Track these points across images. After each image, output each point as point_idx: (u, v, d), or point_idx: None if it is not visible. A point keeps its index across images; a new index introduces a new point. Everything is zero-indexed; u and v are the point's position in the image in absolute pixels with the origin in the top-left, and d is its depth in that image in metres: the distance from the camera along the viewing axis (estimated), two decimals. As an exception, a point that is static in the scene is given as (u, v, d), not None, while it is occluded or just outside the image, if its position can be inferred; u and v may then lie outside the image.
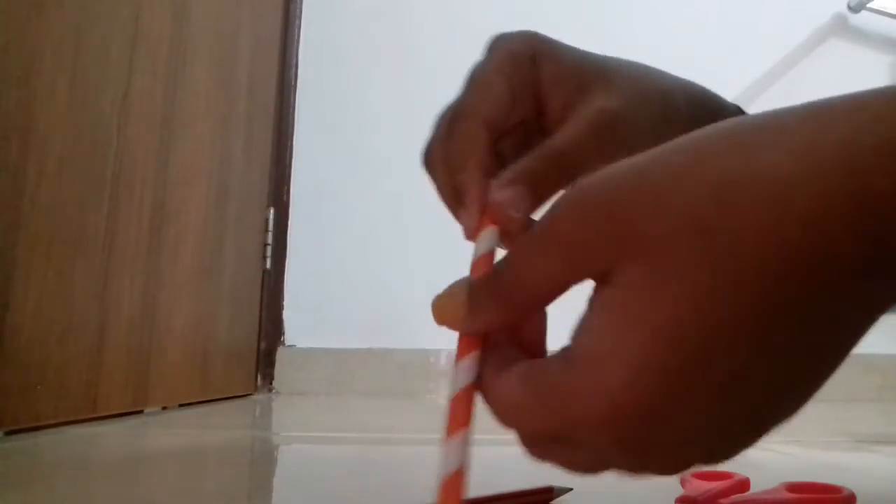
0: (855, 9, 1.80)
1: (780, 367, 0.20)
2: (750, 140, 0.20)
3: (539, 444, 0.23)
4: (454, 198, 0.30)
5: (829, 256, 0.18)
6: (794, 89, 1.75)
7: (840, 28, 1.82)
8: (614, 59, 0.34)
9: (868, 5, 1.78)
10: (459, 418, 0.23)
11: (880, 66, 1.81)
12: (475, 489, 0.25)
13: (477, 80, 0.31)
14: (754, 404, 0.20)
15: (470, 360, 0.24)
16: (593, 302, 0.21)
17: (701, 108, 0.36)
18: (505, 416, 0.23)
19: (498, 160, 0.30)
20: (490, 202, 0.28)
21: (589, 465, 0.23)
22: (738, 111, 0.39)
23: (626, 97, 0.32)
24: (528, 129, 0.33)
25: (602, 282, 0.21)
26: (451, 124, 0.31)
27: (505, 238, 0.28)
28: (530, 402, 0.22)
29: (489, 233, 0.27)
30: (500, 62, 0.31)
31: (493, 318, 0.23)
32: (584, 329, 0.21)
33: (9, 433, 0.77)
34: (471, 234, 0.28)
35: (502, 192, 0.28)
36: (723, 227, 0.19)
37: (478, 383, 0.24)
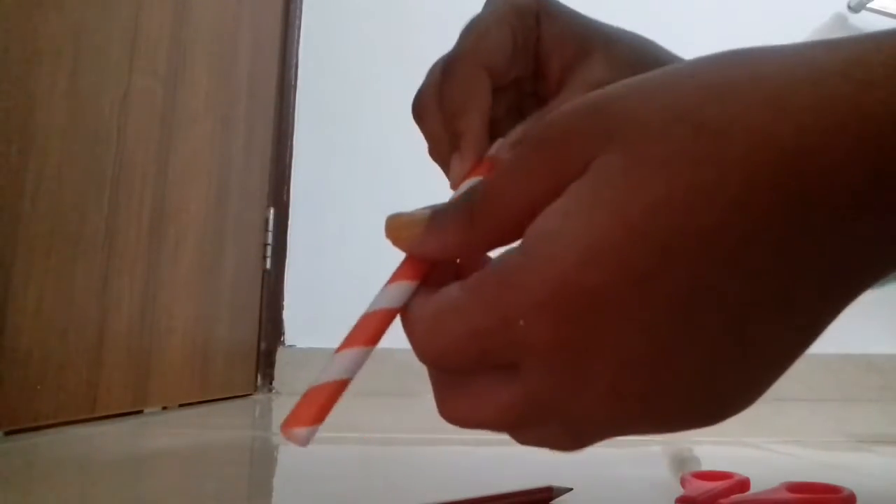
0: (855, 9, 1.80)
1: (757, 296, 0.17)
2: (753, 53, 0.18)
3: (465, 360, 0.20)
4: (446, 145, 0.29)
5: (821, 172, 0.16)
6: (794, 89, 1.75)
7: (840, 28, 1.82)
8: (616, 27, 0.33)
9: (868, 5, 1.78)
10: (363, 335, 0.21)
11: (880, 66, 1.80)
12: (475, 489, 0.25)
13: (478, 28, 0.30)
14: (726, 339, 0.18)
15: (402, 286, 0.21)
16: (558, 201, 0.19)
17: None
18: (431, 331, 0.20)
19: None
20: (494, 160, 0.28)
21: (525, 396, 0.19)
22: None
23: (625, 67, 0.31)
24: (521, 90, 0.32)
25: (579, 177, 0.19)
26: (449, 68, 0.29)
27: None
28: (464, 299, 0.19)
29: (476, 182, 0.27)
30: (504, 13, 0.30)
31: (454, 239, 0.21)
32: (542, 215, 0.19)
33: (9, 433, 0.77)
34: (456, 183, 0.27)
35: (506, 151, 0.28)
36: (711, 121, 0.17)
37: (401, 310, 0.22)
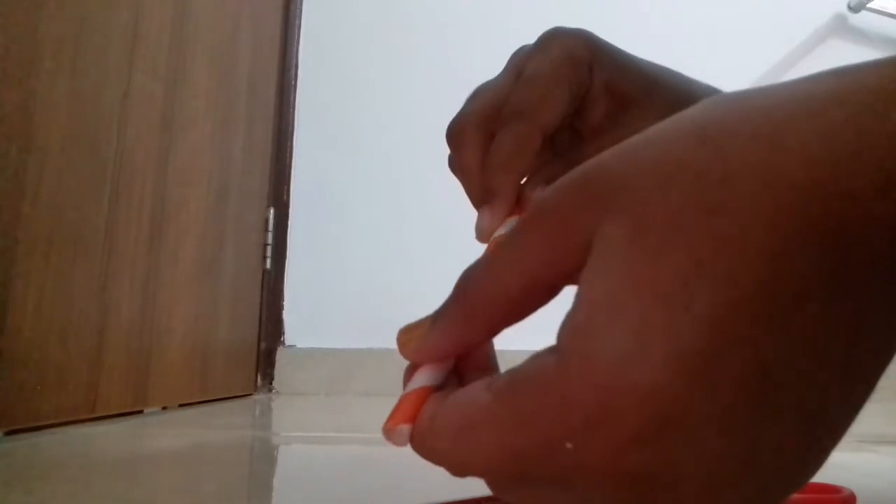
0: (855, 9, 1.80)
1: (809, 362, 0.15)
2: (739, 93, 0.17)
3: (509, 480, 0.18)
4: (476, 179, 0.30)
5: (845, 204, 0.14)
6: (794, 89, 1.75)
7: (840, 28, 1.82)
8: (660, 71, 0.34)
9: (868, 5, 1.78)
10: (403, 415, 0.20)
11: (880, 66, 1.80)
12: (475, 489, 0.25)
13: (538, 81, 0.30)
14: (803, 414, 0.15)
15: (436, 368, 0.21)
16: (577, 292, 0.17)
17: None
18: (458, 448, 0.18)
19: None
20: (522, 198, 0.29)
21: (583, 480, 0.16)
22: None
23: (663, 117, 0.32)
24: (559, 125, 0.33)
25: (584, 265, 0.17)
26: (502, 117, 0.30)
27: None
28: (498, 405, 0.17)
29: (511, 222, 0.28)
30: (561, 65, 0.30)
31: (457, 331, 0.20)
32: (570, 312, 0.17)
33: (9, 433, 0.77)
34: (485, 235, 0.28)
35: (533, 192, 0.29)
36: (708, 166, 0.15)
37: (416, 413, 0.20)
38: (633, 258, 0.16)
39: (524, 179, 0.30)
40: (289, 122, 1.68)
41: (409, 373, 0.21)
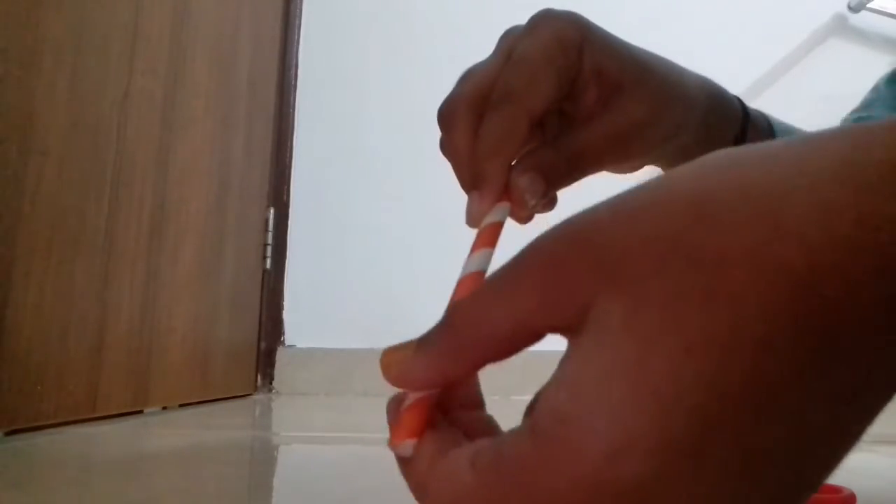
0: (855, 9, 1.80)
1: (810, 436, 0.16)
2: (736, 159, 0.17)
3: None
4: (466, 160, 0.30)
5: (840, 293, 0.14)
6: (794, 89, 1.76)
7: (840, 28, 1.82)
8: (650, 57, 0.34)
9: (868, 5, 1.78)
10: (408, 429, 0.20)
11: (880, 66, 1.80)
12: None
13: (526, 64, 0.29)
14: (787, 488, 0.16)
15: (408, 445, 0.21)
16: (564, 357, 0.17)
17: (713, 112, 0.36)
18: None
19: None
20: (510, 183, 0.28)
21: None
22: (740, 105, 0.40)
23: (654, 105, 0.32)
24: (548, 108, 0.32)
25: (575, 330, 0.17)
26: (491, 100, 0.29)
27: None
28: (483, 489, 0.17)
29: (502, 207, 0.28)
30: (550, 48, 0.30)
31: (441, 365, 0.19)
32: (553, 386, 0.17)
33: (9, 433, 0.77)
34: (475, 221, 0.28)
35: (522, 177, 0.28)
36: (706, 250, 0.15)
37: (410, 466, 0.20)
38: (625, 346, 0.15)
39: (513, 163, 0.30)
40: (289, 122, 1.68)
41: (392, 412, 0.22)
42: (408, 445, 0.20)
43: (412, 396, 0.21)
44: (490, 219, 0.28)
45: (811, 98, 1.77)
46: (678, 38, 1.79)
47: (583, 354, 0.16)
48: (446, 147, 0.31)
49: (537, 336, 0.18)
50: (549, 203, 0.32)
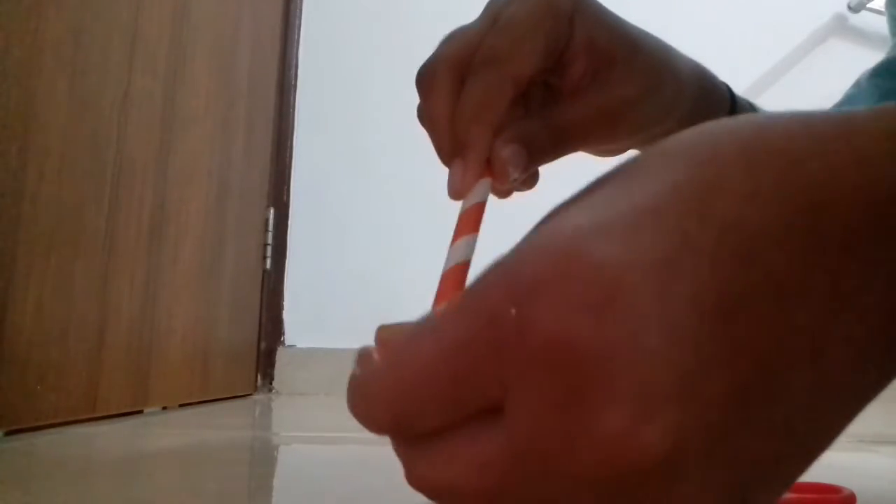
0: (855, 9, 1.80)
1: (780, 315, 0.15)
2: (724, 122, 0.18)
3: (434, 404, 0.16)
4: (445, 127, 0.28)
5: (827, 174, 0.15)
6: (794, 89, 1.76)
7: (840, 28, 1.82)
8: (642, 34, 0.33)
9: (868, 5, 1.78)
10: None
11: (880, 66, 1.80)
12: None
13: (512, 28, 0.28)
14: (748, 358, 0.15)
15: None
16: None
17: (703, 97, 0.36)
18: (393, 367, 0.17)
19: None
20: (492, 155, 0.27)
21: (510, 444, 0.15)
22: (729, 92, 0.39)
23: (645, 83, 0.31)
24: (533, 80, 0.31)
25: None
26: (473, 64, 0.28)
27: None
28: (437, 318, 0.16)
29: (483, 184, 0.27)
30: (539, 13, 0.28)
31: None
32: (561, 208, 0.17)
33: (9, 433, 0.77)
34: (458, 193, 0.27)
35: (505, 148, 0.27)
36: (701, 145, 0.17)
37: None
38: (628, 178, 0.16)
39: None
40: (289, 122, 1.68)
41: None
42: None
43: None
44: (471, 200, 0.26)
45: (811, 98, 1.77)
46: (678, 37, 1.78)
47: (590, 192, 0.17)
48: (425, 113, 0.29)
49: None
50: (530, 180, 0.31)
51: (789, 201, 0.15)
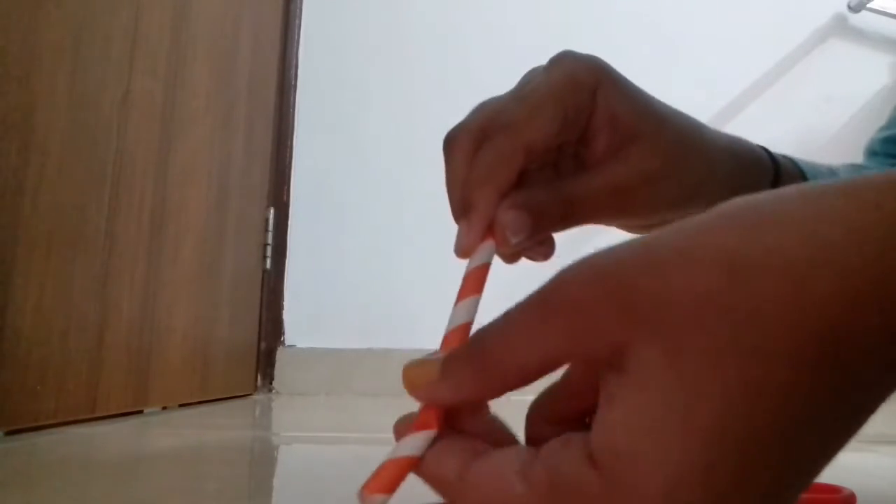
0: (855, 9, 1.80)
1: (812, 467, 0.18)
2: (758, 215, 0.19)
3: None
4: (461, 202, 0.29)
5: (855, 353, 0.17)
6: (795, 89, 1.75)
7: (840, 28, 1.82)
8: (670, 111, 0.33)
9: (868, 5, 1.78)
10: (382, 484, 0.21)
11: (880, 66, 1.81)
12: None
13: (531, 98, 0.29)
14: (789, 493, 0.18)
15: (425, 435, 0.21)
16: (609, 392, 0.18)
17: (738, 175, 0.35)
18: None
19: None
20: (494, 219, 0.28)
21: None
22: (769, 160, 0.38)
23: (667, 160, 0.31)
24: (560, 149, 0.32)
25: (613, 367, 0.18)
26: (491, 134, 0.29)
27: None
28: (540, 501, 0.18)
29: (488, 247, 0.27)
30: (561, 87, 0.29)
31: (467, 389, 0.21)
32: (607, 424, 0.18)
33: (9, 433, 0.77)
34: (462, 252, 0.28)
35: (507, 213, 0.28)
36: (739, 302, 0.17)
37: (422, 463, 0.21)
38: (671, 388, 0.17)
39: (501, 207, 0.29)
40: (289, 122, 1.68)
41: (400, 432, 0.22)
42: (377, 501, 0.21)
43: (401, 449, 0.21)
44: (476, 261, 0.27)
45: (811, 98, 1.77)
46: (678, 37, 1.79)
47: (632, 396, 0.18)
48: (446, 170, 0.31)
49: (562, 365, 0.19)
50: (543, 248, 0.31)
51: (824, 386, 0.17)
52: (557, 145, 0.30)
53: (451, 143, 0.30)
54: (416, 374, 0.22)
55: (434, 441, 0.21)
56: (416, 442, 0.21)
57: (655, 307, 0.18)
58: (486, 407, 0.23)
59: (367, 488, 0.21)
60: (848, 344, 0.17)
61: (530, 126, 0.28)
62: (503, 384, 0.20)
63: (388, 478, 0.21)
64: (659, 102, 0.33)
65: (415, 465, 0.21)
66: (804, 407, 0.17)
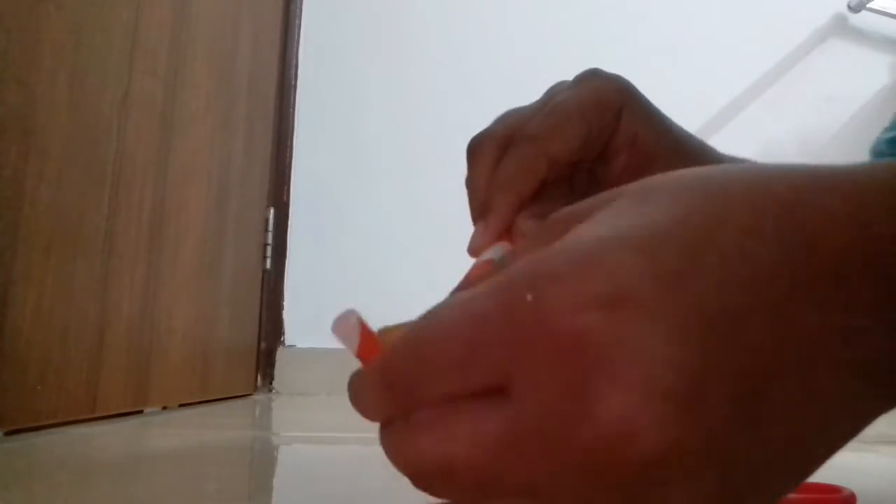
0: (855, 9, 1.80)
1: (774, 333, 0.16)
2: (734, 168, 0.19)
3: (446, 374, 0.17)
4: (481, 205, 0.30)
5: (818, 227, 0.17)
6: (795, 89, 1.75)
7: (840, 28, 1.82)
8: (689, 138, 0.34)
9: (868, 5, 1.78)
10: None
11: (880, 66, 1.81)
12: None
13: (558, 111, 0.30)
14: (748, 370, 0.16)
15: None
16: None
17: None
18: (414, 343, 0.18)
19: None
20: (514, 225, 0.29)
21: (516, 421, 0.16)
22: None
23: None
24: (577, 164, 0.33)
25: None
26: (515, 139, 0.30)
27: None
28: (475, 293, 0.17)
29: (498, 249, 0.29)
30: (587, 104, 0.30)
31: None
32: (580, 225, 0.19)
33: (9, 433, 0.77)
34: (474, 251, 0.29)
35: (527, 221, 0.29)
36: (714, 179, 0.18)
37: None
38: (643, 205, 0.18)
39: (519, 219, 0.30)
40: (289, 122, 1.68)
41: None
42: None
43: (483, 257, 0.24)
44: (486, 256, 0.28)
45: (811, 98, 1.77)
46: (678, 37, 1.78)
47: (606, 209, 0.19)
48: (467, 179, 0.32)
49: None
50: None
51: (786, 239, 0.17)
52: (576, 160, 0.31)
53: (476, 147, 0.31)
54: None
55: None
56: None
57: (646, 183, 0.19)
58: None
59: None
60: (813, 221, 0.17)
61: (555, 139, 0.30)
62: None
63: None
64: (678, 127, 0.34)
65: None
66: (763, 253, 0.16)
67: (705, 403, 0.15)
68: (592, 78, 0.31)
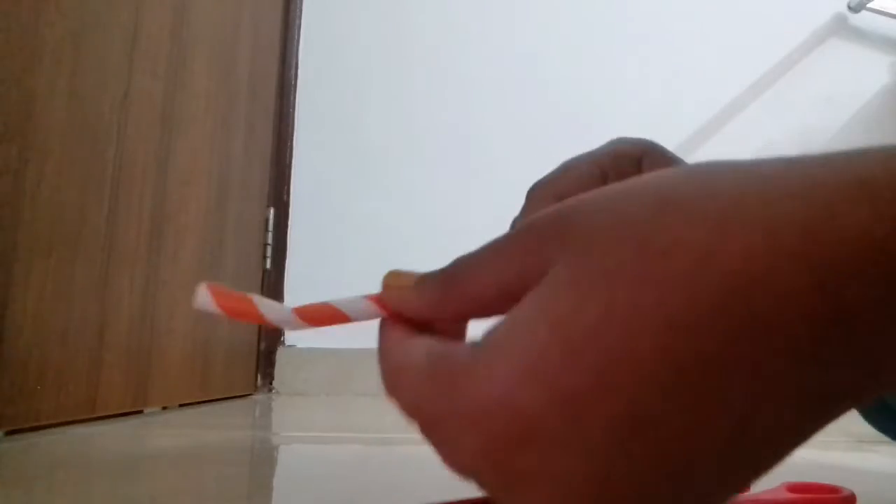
0: (855, 9, 1.80)
1: (694, 428, 0.16)
2: (711, 166, 0.19)
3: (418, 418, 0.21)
4: None
5: (773, 300, 0.15)
6: (795, 89, 1.75)
7: (840, 28, 1.82)
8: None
9: (868, 5, 1.79)
10: (314, 316, 0.24)
11: (880, 66, 1.81)
12: (476, 489, 0.25)
13: (570, 162, 0.32)
14: (663, 475, 0.17)
15: (372, 311, 0.24)
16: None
17: None
18: (391, 378, 0.22)
19: None
20: None
21: (453, 460, 0.20)
22: None
23: None
24: None
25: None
26: (529, 192, 0.33)
27: None
28: (422, 372, 0.20)
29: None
30: (601, 155, 0.32)
31: (429, 301, 0.23)
32: (502, 320, 0.19)
33: (9, 433, 0.77)
34: None
35: None
36: (654, 238, 0.17)
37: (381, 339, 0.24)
38: (563, 302, 0.17)
39: None
40: (289, 122, 1.68)
41: (387, 287, 0.25)
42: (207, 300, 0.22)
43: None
44: None
45: (811, 98, 1.77)
46: (679, 37, 1.78)
47: (530, 300, 0.18)
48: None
49: (518, 300, 0.20)
50: None
51: (724, 337, 0.16)
52: None
53: (531, 193, 0.34)
54: (395, 278, 0.24)
55: (383, 324, 0.24)
56: (364, 309, 0.24)
57: (581, 231, 0.18)
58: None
59: (297, 310, 0.24)
60: (766, 294, 0.15)
61: (562, 178, 0.32)
62: (462, 305, 0.22)
63: (319, 315, 0.24)
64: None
65: (343, 321, 0.24)
66: (693, 352, 0.16)
67: (615, 494, 0.17)
68: (615, 140, 0.33)
